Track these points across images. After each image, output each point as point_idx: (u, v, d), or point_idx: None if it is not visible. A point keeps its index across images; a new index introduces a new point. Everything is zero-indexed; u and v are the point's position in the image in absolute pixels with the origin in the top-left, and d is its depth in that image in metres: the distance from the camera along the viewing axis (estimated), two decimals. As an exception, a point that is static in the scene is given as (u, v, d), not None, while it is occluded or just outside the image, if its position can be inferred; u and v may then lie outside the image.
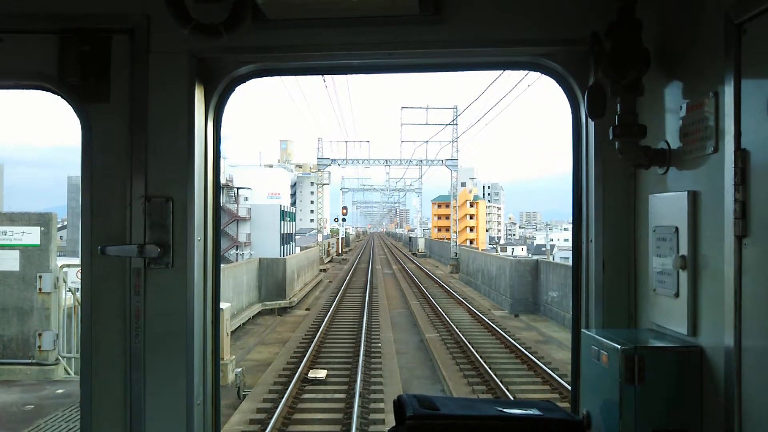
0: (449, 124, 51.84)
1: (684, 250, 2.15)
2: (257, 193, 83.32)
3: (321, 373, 15.14)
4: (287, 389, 13.44)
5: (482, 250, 67.85)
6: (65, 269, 11.49)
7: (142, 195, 2.57)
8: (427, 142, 55.45)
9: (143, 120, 2.57)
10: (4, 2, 2.62)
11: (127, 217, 2.58)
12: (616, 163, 2.49)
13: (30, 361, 10.81)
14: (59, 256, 13.90)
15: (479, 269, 36.78)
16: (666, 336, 2.25)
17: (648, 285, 2.40)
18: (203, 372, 2.67)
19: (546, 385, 14.78)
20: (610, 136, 2.32)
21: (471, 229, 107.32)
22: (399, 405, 2.15)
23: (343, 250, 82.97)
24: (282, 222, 70.60)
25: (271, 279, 28.95)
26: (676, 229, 2.19)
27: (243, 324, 24.09)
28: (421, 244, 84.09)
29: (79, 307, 8.74)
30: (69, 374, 11.02)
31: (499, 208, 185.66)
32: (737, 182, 1.85)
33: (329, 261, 63.08)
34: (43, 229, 10.99)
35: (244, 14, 2.44)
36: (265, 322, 25.84)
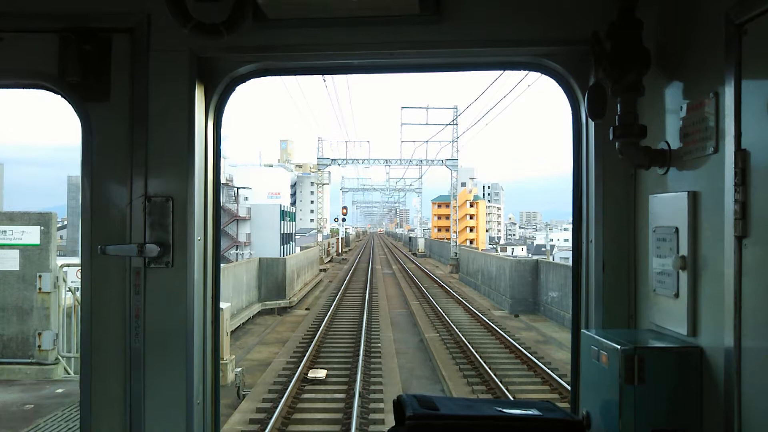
0: (449, 124, 51.85)
1: (684, 250, 2.15)
2: (257, 192, 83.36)
3: (321, 373, 15.15)
4: (287, 389, 13.45)
5: (482, 250, 67.83)
6: (65, 269, 11.49)
7: (142, 194, 2.57)
8: (427, 142, 55.46)
9: (143, 119, 2.57)
10: (4, 1, 2.62)
11: (127, 217, 2.58)
12: (616, 164, 2.49)
13: (30, 360, 10.82)
14: (59, 255, 13.90)
15: (479, 269, 36.78)
16: (666, 336, 2.25)
17: (648, 285, 2.40)
18: (203, 371, 2.66)
19: (546, 385, 14.79)
20: (611, 137, 2.32)
21: (471, 229, 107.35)
22: (399, 405, 2.15)
23: (343, 249, 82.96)
24: (282, 222, 70.61)
25: (271, 279, 28.96)
26: (676, 229, 2.19)
27: (243, 324, 24.09)
28: (421, 244, 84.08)
29: (79, 307, 8.74)
30: (68, 374, 11.03)
31: (499, 208, 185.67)
32: (737, 183, 1.85)
33: (329, 261, 63.07)
34: (42, 228, 11.00)
35: (244, 14, 2.44)
36: (264, 321, 25.84)
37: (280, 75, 3.01)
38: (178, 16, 2.41)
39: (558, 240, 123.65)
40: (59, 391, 9.98)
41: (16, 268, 10.89)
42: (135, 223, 2.57)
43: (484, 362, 16.19)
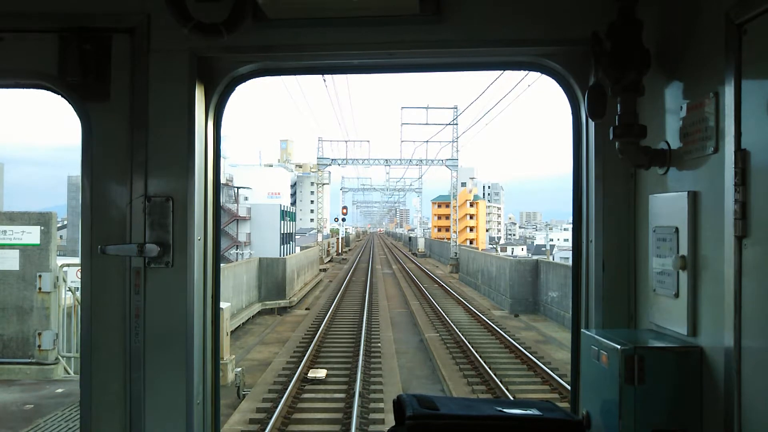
0: (449, 124, 51.83)
1: (684, 250, 2.15)
2: (257, 192, 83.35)
3: (321, 373, 15.15)
4: (287, 389, 13.45)
5: (482, 250, 67.83)
6: (65, 268, 11.49)
7: (142, 194, 2.57)
8: (427, 141, 55.46)
9: (143, 119, 2.57)
10: (4, 1, 2.62)
11: (127, 217, 2.58)
12: (616, 164, 2.49)
13: (30, 360, 10.81)
14: (59, 255, 13.90)
15: (479, 269, 36.77)
16: (666, 336, 2.25)
17: (648, 285, 2.40)
18: (203, 371, 2.67)
19: (546, 385, 14.78)
20: (611, 137, 2.33)
21: (471, 229, 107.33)
22: (399, 405, 2.15)
23: (343, 249, 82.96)
24: (282, 222, 70.56)
25: (271, 278, 28.96)
26: (676, 229, 2.19)
27: (243, 323, 24.09)
28: (421, 244, 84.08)
29: (79, 307, 8.74)
30: (69, 374, 11.03)
31: (499, 208, 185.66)
32: (737, 183, 1.85)
33: (329, 261, 63.07)
34: (42, 228, 10.99)
35: (244, 14, 2.45)
36: (264, 321, 25.84)
37: (280, 75, 3.01)
38: (179, 16, 2.41)
39: (558, 240, 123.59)
40: (59, 391, 9.97)
41: (16, 267, 10.88)
42: (135, 223, 2.57)
43: (484, 362, 16.19)
